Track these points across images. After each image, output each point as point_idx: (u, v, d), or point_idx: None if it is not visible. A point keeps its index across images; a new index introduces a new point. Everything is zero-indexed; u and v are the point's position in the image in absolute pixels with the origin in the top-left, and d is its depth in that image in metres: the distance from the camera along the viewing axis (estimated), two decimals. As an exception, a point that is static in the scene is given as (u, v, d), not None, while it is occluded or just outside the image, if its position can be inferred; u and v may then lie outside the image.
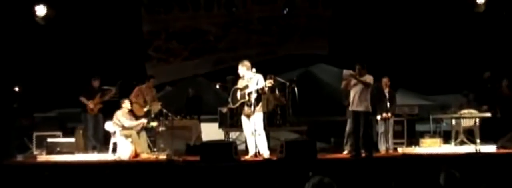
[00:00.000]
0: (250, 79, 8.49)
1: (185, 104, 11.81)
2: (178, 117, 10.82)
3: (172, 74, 13.51)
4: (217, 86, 11.24)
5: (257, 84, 8.41)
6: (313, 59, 13.87)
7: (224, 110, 10.55)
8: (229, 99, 8.86)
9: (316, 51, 13.43)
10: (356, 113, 8.91)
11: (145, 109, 10.33)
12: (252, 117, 8.46)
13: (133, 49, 12.99)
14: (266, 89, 8.37)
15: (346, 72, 8.78)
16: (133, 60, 12.97)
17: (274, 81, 8.58)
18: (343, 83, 8.85)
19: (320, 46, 13.39)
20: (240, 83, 8.68)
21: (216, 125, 11.23)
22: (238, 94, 8.57)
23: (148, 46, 13.46)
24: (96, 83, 10.72)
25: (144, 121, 10.09)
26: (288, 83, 10.38)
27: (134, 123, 10.05)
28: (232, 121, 10.80)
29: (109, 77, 10.88)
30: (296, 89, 10.57)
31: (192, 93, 11.93)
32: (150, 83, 10.71)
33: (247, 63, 8.50)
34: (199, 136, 11.01)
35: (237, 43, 13.65)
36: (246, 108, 8.46)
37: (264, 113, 8.92)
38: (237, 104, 8.62)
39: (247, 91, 8.46)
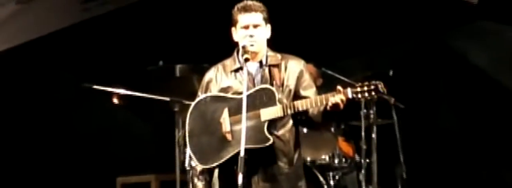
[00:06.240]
0: (239, 71, 5.41)
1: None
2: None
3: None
4: (114, 101, 8.32)
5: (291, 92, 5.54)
6: (447, 11, 9.57)
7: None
8: (180, 138, 6.60)
9: None
10: None
11: None
12: None
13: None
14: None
15: None
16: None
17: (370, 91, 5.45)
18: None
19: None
20: (222, 84, 5.55)
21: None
22: (227, 120, 5.44)
23: None
24: None
25: None
26: (372, 92, 6.24)
27: None
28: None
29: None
30: (394, 111, 7.75)
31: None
32: None
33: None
34: None
35: None
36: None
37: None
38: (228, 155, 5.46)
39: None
